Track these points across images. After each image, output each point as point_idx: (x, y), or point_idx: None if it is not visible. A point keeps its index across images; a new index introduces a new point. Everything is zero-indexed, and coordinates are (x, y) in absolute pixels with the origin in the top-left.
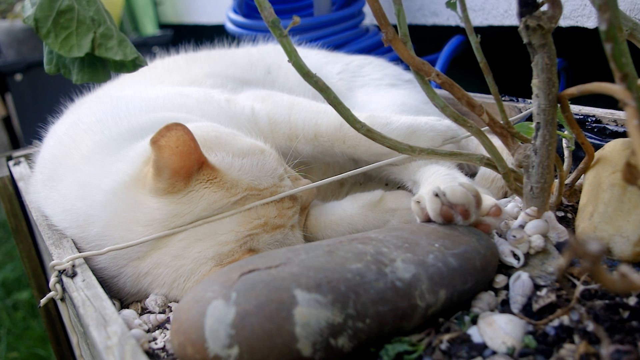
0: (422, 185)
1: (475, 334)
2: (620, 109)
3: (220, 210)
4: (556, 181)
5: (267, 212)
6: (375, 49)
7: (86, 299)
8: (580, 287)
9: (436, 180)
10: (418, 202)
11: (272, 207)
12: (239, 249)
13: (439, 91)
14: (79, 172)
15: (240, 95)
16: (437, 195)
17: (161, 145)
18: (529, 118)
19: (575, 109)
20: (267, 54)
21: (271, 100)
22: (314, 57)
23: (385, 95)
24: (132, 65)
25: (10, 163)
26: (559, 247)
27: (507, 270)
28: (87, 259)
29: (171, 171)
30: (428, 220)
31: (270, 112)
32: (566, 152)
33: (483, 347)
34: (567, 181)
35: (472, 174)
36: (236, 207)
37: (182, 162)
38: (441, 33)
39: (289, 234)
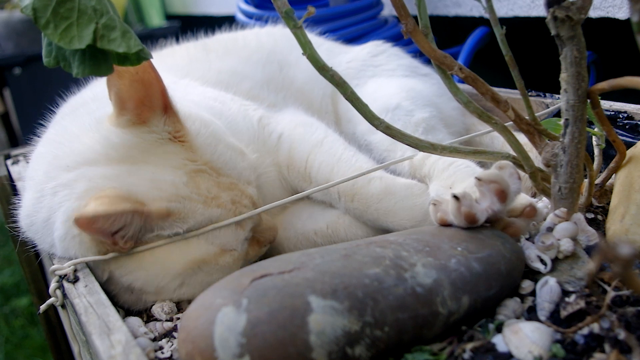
0: (436, 179)
1: (500, 342)
2: None
3: (174, 167)
4: (586, 181)
5: (220, 193)
6: (395, 41)
7: (88, 305)
8: (611, 293)
9: (457, 172)
10: (435, 204)
11: (225, 191)
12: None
13: (461, 86)
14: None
15: (276, 115)
16: (457, 197)
17: (120, 71)
18: (557, 114)
19: (605, 104)
20: (276, 44)
21: (301, 131)
22: (326, 46)
23: (394, 83)
24: (136, 58)
25: (9, 162)
26: (589, 250)
27: (534, 275)
28: None
29: (132, 100)
30: (445, 225)
31: (292, 145)
32: (596, 151)
33: (508, 356)
34: (597, 181)
35: None
36: (194, 175)
37: (143, 90)
38: (464, 24)
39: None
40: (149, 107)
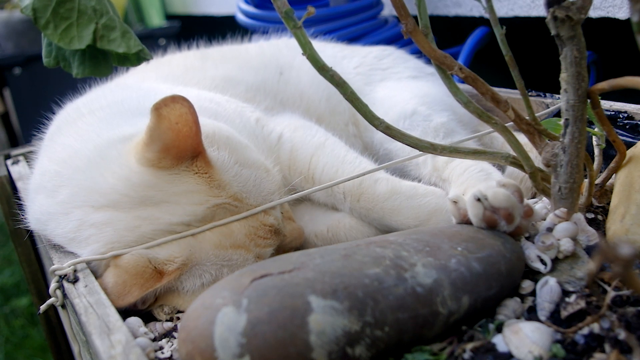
0: (454, 185)
1: (500, 342)
2: None
3: (195, 205)
4: (586, 181)
5: (235, 227)
6: (395, 41)
7: (89, 305)
8: (611, 293)
9: (469, 178)
10: (455, 202)
11: (242, 225)
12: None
13: (462, 86)
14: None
15: (274, 118)
16: (479, 199)
17: (161, 114)
18: (557, 114)
19: (605, 104)
20: (280, 52)
21: (301, 133)
22: (330, 51)
23: (406, 88)
24: (136, 59)
25: (9, 162)
26: (589, 250)
27: (534, 275)
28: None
29: (162, 145)
30: (465, 221)
31: (294, 147)
32: (596, 151)
33: (508, 356)
34: (597, 181)
35: None
36: (213, 210)
37: (177, 142)
38: (464, 24)
39: (249, 262)
40: (176, 157)
